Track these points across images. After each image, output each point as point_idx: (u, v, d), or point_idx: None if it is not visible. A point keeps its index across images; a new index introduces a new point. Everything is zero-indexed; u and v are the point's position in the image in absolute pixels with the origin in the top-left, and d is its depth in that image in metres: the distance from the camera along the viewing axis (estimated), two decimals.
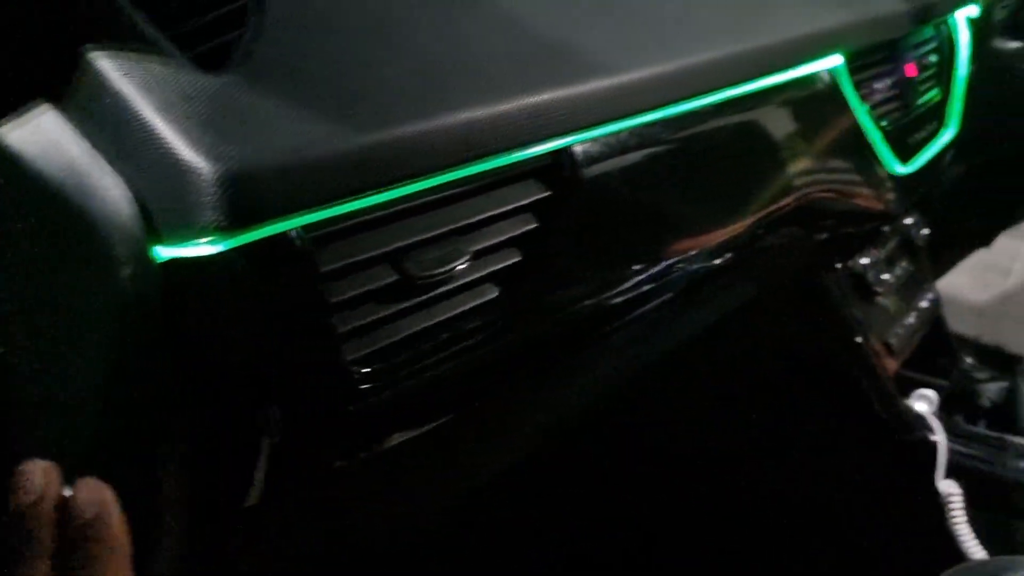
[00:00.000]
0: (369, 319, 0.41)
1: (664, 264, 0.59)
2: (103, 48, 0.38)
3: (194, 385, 0.38)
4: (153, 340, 0.37)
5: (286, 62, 0.40)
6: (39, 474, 0.30)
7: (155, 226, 0.36)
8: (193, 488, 0.40)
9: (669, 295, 0.61)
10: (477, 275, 0.46)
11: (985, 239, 1.51)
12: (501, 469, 0.59)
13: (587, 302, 0.53)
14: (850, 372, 0.92)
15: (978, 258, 1.64)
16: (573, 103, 0.48)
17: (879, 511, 0.97)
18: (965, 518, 0.89)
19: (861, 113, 0.78)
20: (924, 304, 1.05)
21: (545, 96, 0.47)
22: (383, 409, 0.42)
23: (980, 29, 1.11)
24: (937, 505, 0.90)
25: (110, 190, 0.36)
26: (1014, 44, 1.12)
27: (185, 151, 0.35)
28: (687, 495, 0.99)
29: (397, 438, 0.45)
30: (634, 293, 0.57)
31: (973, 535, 0.88)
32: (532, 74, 0.47)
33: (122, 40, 0.38)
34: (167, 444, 0.39)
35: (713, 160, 0.61)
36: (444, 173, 0.42)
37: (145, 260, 0.36)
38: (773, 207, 0.69)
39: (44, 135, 0.37)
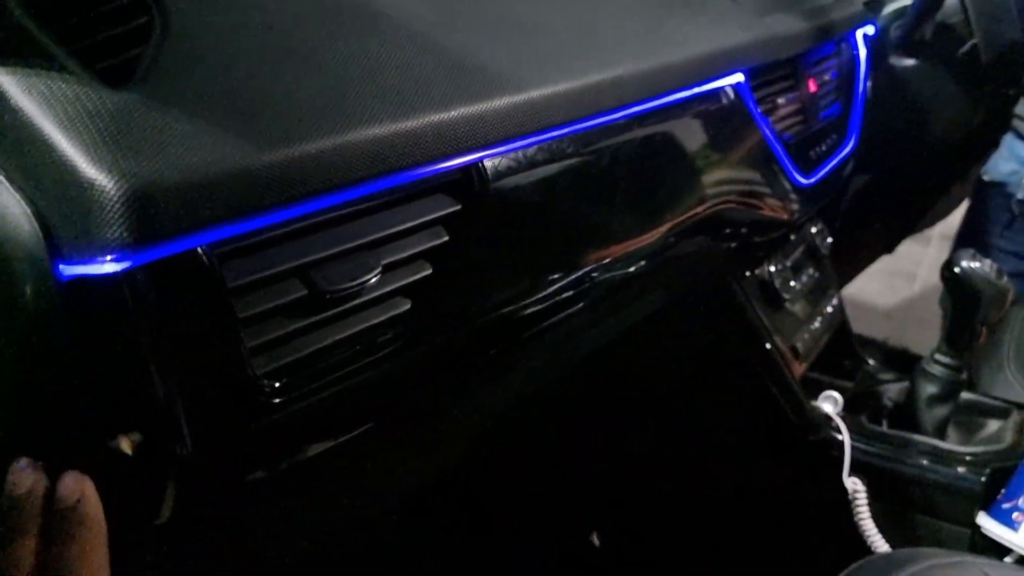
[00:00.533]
0: (278, 333, 0.42)
1: (574, 275, 0.61)
2: (2, 63, 0.37)
3: (100, 403, 0.37)
4: (58, 358, 0.37)
5: (191, 78, 0.41)
6: (29, 470, 0.36)
7: (58, 244, 0.36)
8: (105, 505, 0.39)
9: (580, 304, 0.63)
10: (388, 288, 0.47)
11: (888, 246, 1.58)
12: (416, 479, 0.60)
13: (499, 312, 0.55)
14: (759, 376, 0.95)
15: (885, 264, 1.71)
16: (480, 120, 0.49)
17: (789, 508, 1.00)
18: (869, 513, 0.94)
19: (764, 128, 0.82)
20: (829, 309, 1.09)
21: (452, 113, 0.48)
22: (295, 422, 0.42)
23: (878, 47, 1.16)
24: (844, 501, 0.94)
25: (10, 208, 0.36)
26: (909, 61, 1.18)
27: (88, 168, 0.35)
28: (602, 498, 1.01)
29: (310, 450, 0.45)
30: (545, 304, 0.59)
31: (877, 530, 0.93)
32: (438, 91, 0.49)
33: (22, 55, 0.38)
34: (77, 460, 0.39)
35: (621, 173, 0.63)
36: (351, 189, 0.43)
37: (48, 278, 0.36)
38: (680, 218, 0.71)
39: None
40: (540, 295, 0.58)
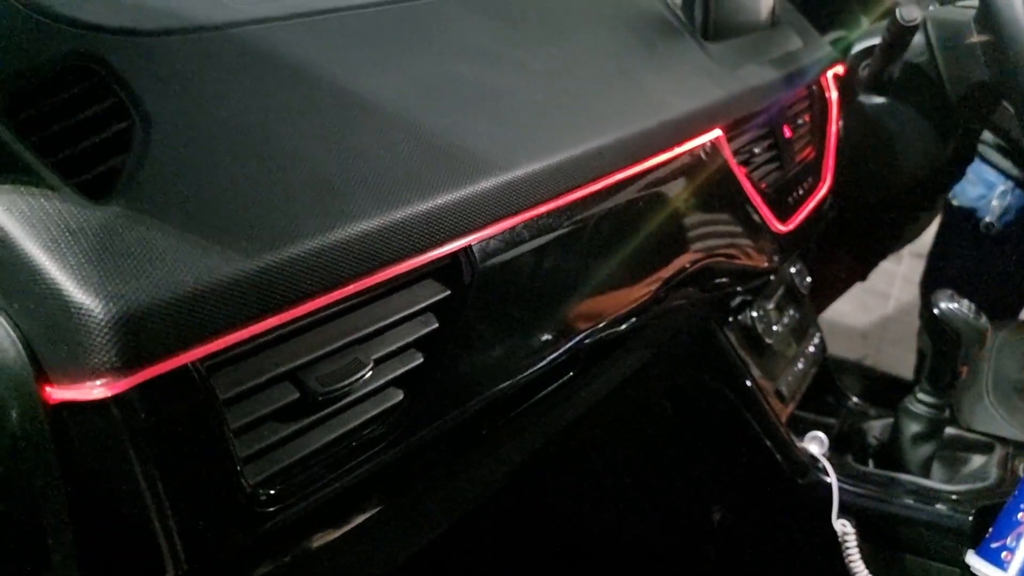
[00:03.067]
0: (271, 440, 0.41)
1: (565, 345, 0.60)
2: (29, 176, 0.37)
3: (90, 527, 0.37)
4: (45, 482, 0.36)
5: (173, 188, 0.40)
6: None
7: (43, 368, 0.35)
8: None
9: (571, 373, 0.63)
10: (380, 382, 0.46)
11: (862, 274, 1.60)
12: (406, 558, 0.59)
13: (493, 391, 0.54)
14: (746, 421, 0.96)
15: (859, 283, 1.73)
16: (468, 205, 0.49)
17: (780, 551, 1.00)
18: (859, 555, 0.94)
19: (742, 179, 0.82)
20: (811, 349, 1.10)
21: (439, 201, 0.48)
22: (287, 529, 0.42)
23: (848, 86, 1.18)
24: (834, 543, 0.94)
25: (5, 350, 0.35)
26: (879, 99, 1.20)
27: (73, 292, 0.35)
28: (592, 550, 1.01)
29: (302, 553, 0.44)
30: (536, 377, 0.58)
31: (867, 572, 0.93)
32: (425, 179, 0.48)
33: (2, 170, 0.37)
34: None
35: (606, 238, 0.63)
36: (339, 288, 0.43)
37: (34, 402, 0.35)
38: (665, 276, 0.71)
39: None
40: (532, 370, 0.58)
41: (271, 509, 0.41)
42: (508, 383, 0.55)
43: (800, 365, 1.05)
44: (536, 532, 0.97)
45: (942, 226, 1.63)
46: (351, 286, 0.43)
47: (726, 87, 0.81)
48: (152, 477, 0.36)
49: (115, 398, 0.35)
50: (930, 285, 1.65)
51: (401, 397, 0.47)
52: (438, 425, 0.50)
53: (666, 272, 0.71)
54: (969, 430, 1.09)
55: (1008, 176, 1.50)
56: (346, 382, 0.43)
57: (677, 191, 0.71)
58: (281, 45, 0.50)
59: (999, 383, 1.20)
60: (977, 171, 1.54)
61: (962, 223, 1.57)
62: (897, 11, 1.11)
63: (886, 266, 1.83)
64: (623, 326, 0.67)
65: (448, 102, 0.55)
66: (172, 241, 0.38)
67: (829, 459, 0.99)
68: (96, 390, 0.35)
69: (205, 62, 0.46)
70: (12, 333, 0.35)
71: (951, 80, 1.16)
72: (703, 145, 0.75)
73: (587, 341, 0.63)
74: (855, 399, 1.17)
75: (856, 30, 1.32)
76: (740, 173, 0.82)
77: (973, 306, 0.97)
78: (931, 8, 1.20)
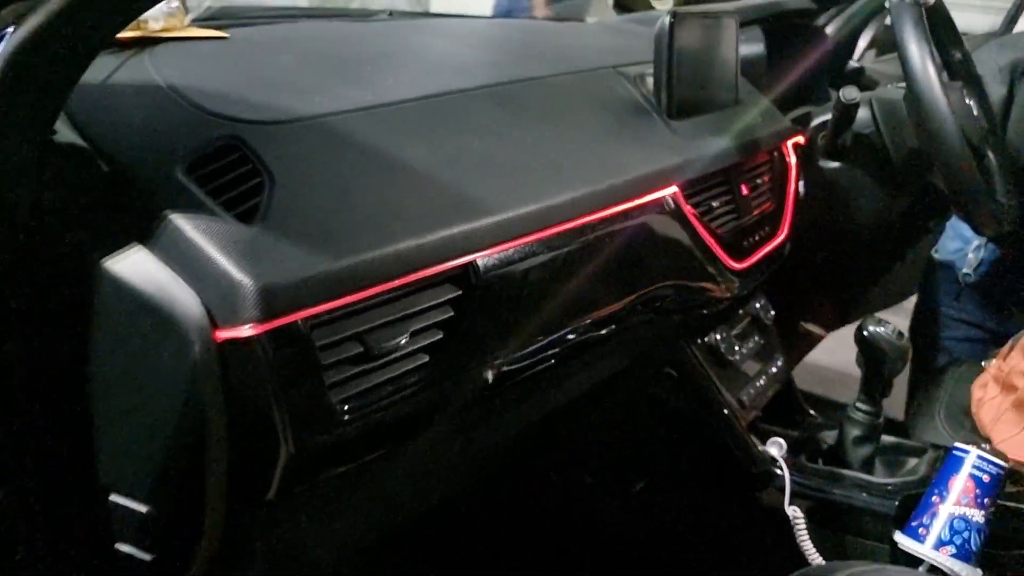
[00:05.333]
0: (344, 375, 0.65)
1: (550, 338, 0.84)
2: (179, 212, 0.62)
3: (238, 420, 0.61)
4: (212, 388, 0.60)
5: (291, 215, 0.65)
6: None
7: (214, 319, 0.60)
8: (231, 488, 0.62)
9: (557, 357, 0.86)
10: (412, 348, 0.70)
11: (841, 321, 1.80)
12: (431, 494, 0.82)
13: (494, 364, 0.78)
14: (712, 424, 1.17)
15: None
16: (473, 233, 0.74)
17: (741, 535, 1.21)
18: (807, 536, 1.14)
19: (697, 224, 1.05)
20: (773, 369, 1.31)
21: (455, 230, 0.72)
22: (356, 432, 0.65)
23: (807, 152, 1.42)
24: (787, 526, 1.15)
25: (187, 298, 0.60)
26: (834, 164, 1.43)
27: (233, 274, 0.59)
28: (579, 527, 1.22)
29: (369, 454, 0.68)
30: (530, 360, 0.82)
31: (814, 548, 1.13)
32: (447, 216, 0.73)
33: (182, 205, 0.63)
34: (212, 462, 0.62)
35: (582, 264, 0.87)
36: (389, 281, 0.67)
37: (208, 339, 0.60)
38: (635, 295, 0.95)
39: (140, 266, 0.61)
40: (525, 352, 0.81)
41: (345, 419, 0.64)
42: (502, 358, 0.78)
43: (762, 381, 1.27)
44: (530, 507, 1.18)
45: (925, 277, 1.83)
46: (396, 281, 0.67)
47: (682, 154, 1.05)
48: (274, 387, 0.60)
49: (255, 337, 0.59)
50: (917, 330, 1.84)
51: (427, 359, 0.71)
52: (451, 381, 0.74)
53: (635, 290, 0.94)
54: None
55: None
56: (391, 343, 0.67)
57: (638, 231, 0.95)
58: (358, 128, 0.76)
59: (951, 407, 1.40)
60: (955, 227, 1.74)
61: (942, 274, 1.77)
62: (840, 92, 1.35)
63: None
64: (595, 330, 0.90)
65: (465, 166, 0.81)
66: (289, 247, 0.63)
67: (785, 458, 1.20)
68: (244, 332, 0.59)
69: (309, 138, 0.72)
70: (198, 298, 0.60)
71: (892, 147, 1.40)
72: (661, 198, 0.99)
73: (568, 337, 0.86)
74: (813, 413, 1.37)
75: (821, 105, 1.57)
76: (694, 220, 1.05)
77: (897, 329, 1.18)
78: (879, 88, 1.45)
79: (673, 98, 1.10)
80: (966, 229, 1.72)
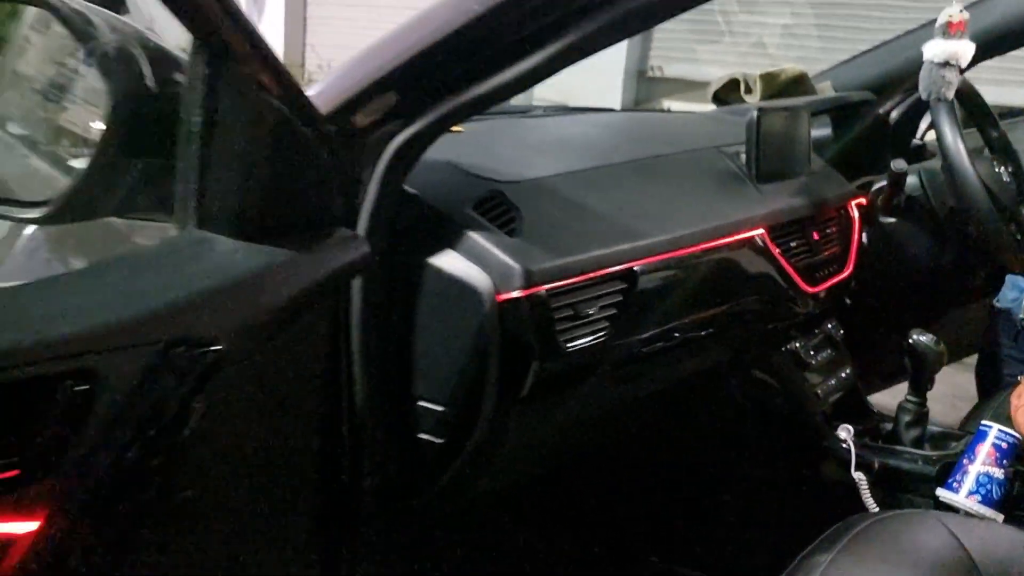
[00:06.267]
0: (564, 327, 1.09)
1: (674, 324, 1.27)
2: (472, 230, 1.08)
3: (509, 348, 1.06)
4: (493, 332, 1.05)
5: (535, 231, 1.11)
6: None
7: (497, 287, 1.05)
8: (499, 392, 1.07)
9: (678, 343, 1.28)
10: (598, 316, 1.14)
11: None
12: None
13: (647, 338, 1.21)
14: (793, 408, 1.57)
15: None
16: (633, 250, 1.18)
17: (816, 497, 1.58)
18: (870, 495, 1.51)
19: (777, 256, 1.47)
20: (843, 375, 1.70)
21: (624, 246, 1.17)
22: (571, 366, 1.10)
23: (868, 212, 1.82)
24: (854, 489, 1.52)
25: (481, 277, 1.06)
26: (890, 219, 1.84)
27: (509, 262, 1.05)
28: (685, 486, 1.62)
29: (570, 379, 1.12)
30: (661, 341, 1.25)
31: (875, 503, 1.50)
32: (617, 237, 1.18)
33: (472, 227, 1.09)
34: (490, 376, 1.07)
35: (692, 279, 1.30)
36: (590, 274, 1.12)
37: (493, 301, 1.05)
38: (732, 302, 1.38)
39: (452, 260, 1.08)
40: (659, 331, 1.25)
41: (566, 350, 1.09)
42: (645, 333, 1.22)
43: (832, 382, 1.66)
44: (642, 469, 1.60)
45: (988, 325, 2.17)
46: (591, 274, 1.12)
47: (767, 207, 1.48)
48: (530, 328, 1.05)
49: (520, 298, 1.05)
50: (982, 372, 2.19)
51: (607, 324, 1.15)
52: (616, 340, 1.17)
53: (727, 298, 1.37)
54: None
55: None
56: (588, 311, 1.12)
57: (736, 258, 1.38)
58: (563, 184, 1.23)
59: (996, 414, 1.75)
60: (1013, 279, 2.09)
61: (1002, 319, 2.12)
62: (892, 163, 1.77)
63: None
64: (706, 326, 1.33)
65: (627, 209, 1.26)
66: (534, 249, 1.08)
67: (851, 438, 1.58)
68: (514, 295, 1.05)
69: (536, 189, 1.19)
70: (487, 277, 1.05)
71: (937, 206, 1.80)
72: (752, 236, 1.42)
73: (687, 327, 1.29)
74: (877, 411, 1.75)
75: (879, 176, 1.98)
76: (776, 253, 1.47)
77: (935, 338, 1.56)
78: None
79: (760, 169, 1.54)
80: (1021, 280, 2.08)
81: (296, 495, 1.05)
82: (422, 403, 1.12)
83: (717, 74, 2.15)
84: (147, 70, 0.80)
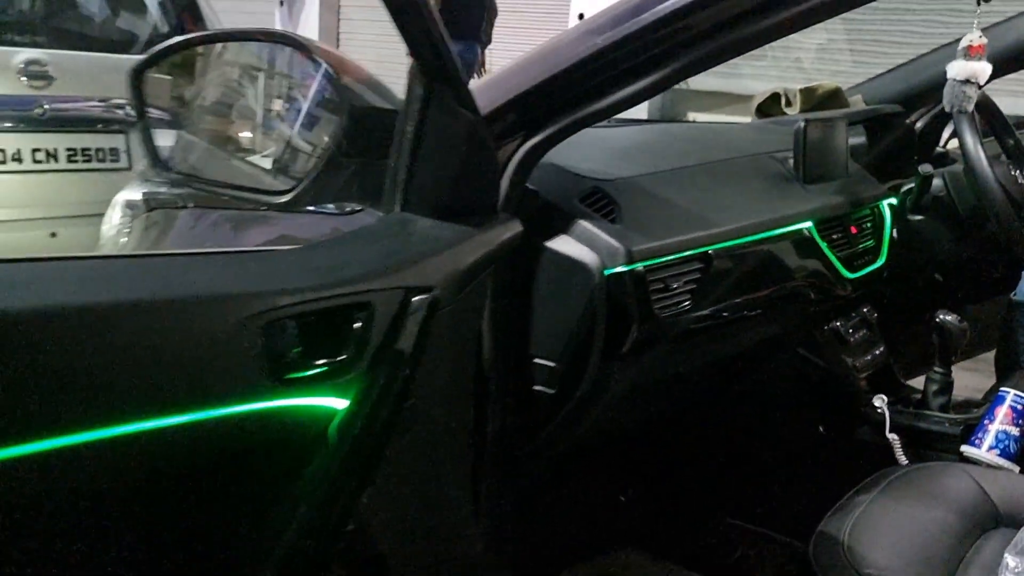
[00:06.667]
0: (656, 297, 1.35)
1: (738, 299, 1.52)
2: (581, 219, 1.34)
3: (615, 324, 1.31)
4: (601, 302, 1.31)
5: (630, 219, 1.37)
6: None
7: (604, 263, 1.31)
8: (604, 349, 1.32)
9: (740, 317, 1.54)
10: (681, 290, 1.40)
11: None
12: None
13: (716, 310, 1.47)
14: (834, 379, 1.82)
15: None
16: (708, 236, 1.44)
17: (855, 455, 1.82)
18: (902, 451, 1.75)
19: (822, 246, 1.72)
20: (877, 352, 1.95)
21: (700, 233, 1.43)
22: (656, 328, 1.35)
23: (898, 210, 2.07)
24: (888, 448, 1.76)
25: (590, 256, 1.32)
26: (918, 217, 2.08)
27: (613, 243, 1.31)
28: (743, 448, 1.87)
29: (658, 342, 1.38)
30: (727, 313, 1.50)
31: (906, 459, 1.74)
32: (697, 224, 1.44)
33: (579, 216, 1.35)
34: (596, 336, 1.32)
35: (760, 260, 1.55)
36: (675, 255, 1.37)
37: (601, 275, 1.31)
38: (785, 281, 1.63)
39: (566, 243, 1.33)
40: (726, 304, 1.50)
41: (659, 316, 1.34)
42: (717, 306, 1.47)
43: (868, 357, 1.91)
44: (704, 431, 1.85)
45: (1005, 319, 2.39)
46: (676, 255, 1.38)
47: (814, 203, 1.73)
48: (631, 299, 1.31)
49: (624, 273, 1.30)
50: (1000, 362, 2.42)
51: (689, 297, 1.41)
52: (696, 311, 1.42)
53: (781, 278, 1.62)
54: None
55: None
56: (674, 286, 1.37)
57: (789, 245, 1.63)
58: (652, 181, 1.49)
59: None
60: None
61: (1019, 311, 2.35)
62: (920, 167, 2.02)
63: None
64: (763, 303, 1.58)
65: (703, 202, 1.52)
66: (633, 234, 1.34)
67: (886, 405, 1.82)
68: (618, 270, 1.30)
69: (630, 185, 1.45)
70: (596, 255, 1.31)
71: (959, 205, 2.04)
72: (802, 228, 1.67)
73: (749, 302, 1.55)
74: (906, 383, 1.99)
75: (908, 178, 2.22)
76: (822, 244, 1.72)
77: (959, 317, 1.80)
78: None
79: (806, 172, 1.79)
80: None
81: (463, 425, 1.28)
82: (538, 360, 1.37)
83: (755, 88, 2.41)
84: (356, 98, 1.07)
